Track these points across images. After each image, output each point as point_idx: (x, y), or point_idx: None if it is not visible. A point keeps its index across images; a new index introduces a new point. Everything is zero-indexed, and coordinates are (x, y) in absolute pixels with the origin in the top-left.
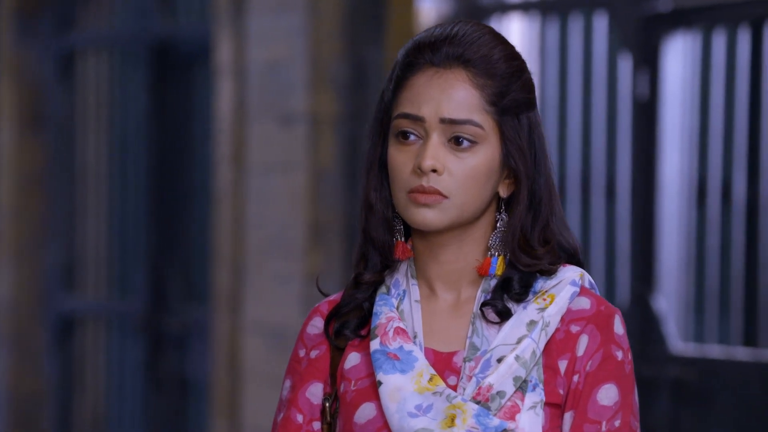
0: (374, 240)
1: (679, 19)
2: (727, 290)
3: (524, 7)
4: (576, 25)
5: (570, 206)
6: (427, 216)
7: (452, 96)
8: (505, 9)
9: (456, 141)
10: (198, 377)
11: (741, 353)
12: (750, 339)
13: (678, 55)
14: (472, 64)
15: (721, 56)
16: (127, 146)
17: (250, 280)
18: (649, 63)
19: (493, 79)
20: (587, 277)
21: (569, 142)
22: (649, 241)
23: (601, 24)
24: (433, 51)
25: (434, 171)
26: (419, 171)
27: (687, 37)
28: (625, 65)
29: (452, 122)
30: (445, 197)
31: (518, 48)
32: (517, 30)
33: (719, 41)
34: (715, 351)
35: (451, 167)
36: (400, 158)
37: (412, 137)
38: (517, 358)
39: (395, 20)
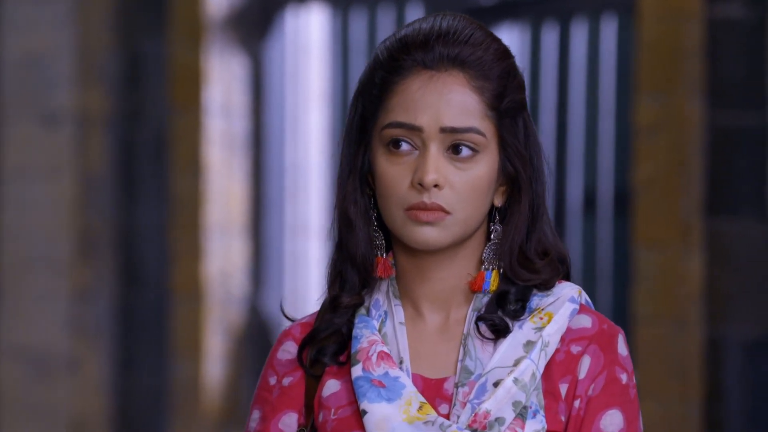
0: (354, 257)
1: (506, 12)
2: None
3: None
4: (386, 18)
5: None
6: (429, 234)
7: (451, 102)
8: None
9: (456, 150)
10: None
11: None
12: None
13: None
14: (469, 66)
15: (552, 51)
16: None
17: (6, 298)
18: None
19: (490, 80)
20: (584, 294)
21: None
22: None
23: (415, 16)
24: (425, 51)
25: (436, 186)
26: (420, 186)
27: (514, 31)
28: None
29: (453, 131)
30: (448, 213)
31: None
32: (317, 24)
33: (550, 35)
34: None
35: (452, 180)
36: (393, 171)
37: (406, 148)
38: (515, 381)
39: (178, 9)
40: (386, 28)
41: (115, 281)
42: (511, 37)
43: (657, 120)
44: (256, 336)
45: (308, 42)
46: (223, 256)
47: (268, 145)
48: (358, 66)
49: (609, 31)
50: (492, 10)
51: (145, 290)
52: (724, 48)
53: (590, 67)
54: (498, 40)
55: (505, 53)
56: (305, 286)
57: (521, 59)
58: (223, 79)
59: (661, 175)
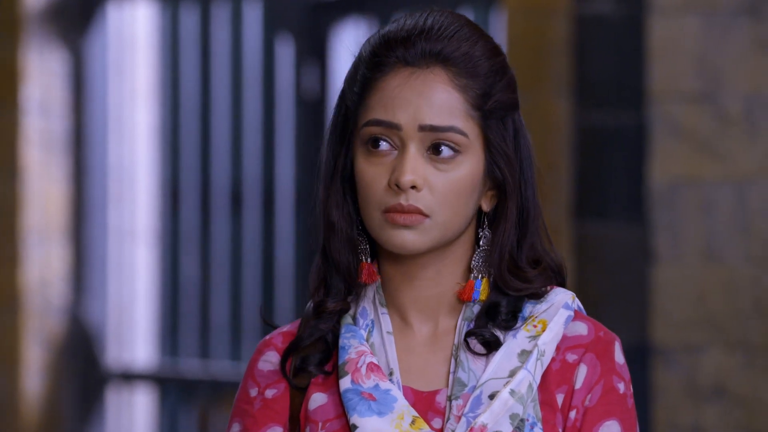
0: (338, 263)
1: (351, 5)
2: None
3: None
4: (221, 13)
5: (217, 220)
6: (407, 238)
7: (432, 99)
8: None
9: (436, 150)
10: None
11: None
12: None
13: (350, 46)
14: (452, 63)
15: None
16: None
17: None
18: (317, 54)
19: (476, 79)
20: (577, 300)
21: (215, 145)
22: None
23: (254, 11)
24: (407, 47)
25: (413, 187)
26: (397, 187)
27: (360, 25)
28: (287, 57)
29: (433, 129)
30: (426, 216)
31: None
32: (143, 18)
33: None
34: None
35: (432, 182)
36: (371, 172)
37: (385, 147)
38: (512, 392)
39: None
40: (220, 23)
41: None
42: (358, 31)
43: (523, 119)
44: (77, 347)
45: (133, 37)
46: (42, 262)
47: (90, 145)
48: (189, 62)
49: None
50: (338, 4)
51: None
52: (593, 45)
53: None
54: (487, 37)
55: (493, 51)
56: (131, 295)
57: None
58: (41, 76)
59: None
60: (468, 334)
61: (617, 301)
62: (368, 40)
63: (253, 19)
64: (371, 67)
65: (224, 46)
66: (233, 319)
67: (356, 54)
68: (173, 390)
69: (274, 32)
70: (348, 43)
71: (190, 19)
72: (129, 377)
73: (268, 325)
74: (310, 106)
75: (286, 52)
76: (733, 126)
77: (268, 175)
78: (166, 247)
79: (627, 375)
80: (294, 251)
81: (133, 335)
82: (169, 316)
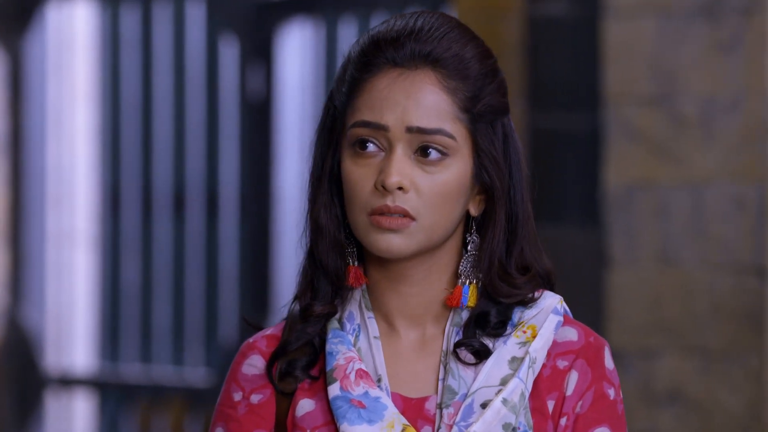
0: (325, 266)
1: (298, 6)
2: None
3: None
4: (163, 14)
5: (159, 223)
6: (393, 242)
7: (420, 101)
8: None
9: (423, 153)
10: None
11: None
12: None
13: (296, 47)
14: (442, 64)
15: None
16: None
17: None
18: (262, 55)
19: (466, 81)
20: (564, 303)
21: (156, 148)
22: (264, 262)
23: (197, 11)
24: (396, 48)
25: (400, 189)
26: (383, 189)
27: (307, 26)
28: (232, 58)
29: (420, 131)
30: (413, 219)
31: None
32: (82, 18)
33: (348, 31)
34: None
35: (419, 184)
36: (358, 173)
37: (372, 149)
38: (504, 401)
39: None
40: (162, 23)
41: None
42: (304, 32)
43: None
44: (15, 351)
45: (73, 37)
46: None
47: (29, 147)
48: (130, 63)
49: None
50: (284, 5)
51: None
52: (546, 47)
53: None
54: (477, 39)
55: (483, 54)
56: (70, 299)
57: (316, 56)
58: None
59: None
60: (457, 345)
61: (572, 306)
62: (357, 40)
63: (196, 18)
64: (360, 67)
65: (166, 46)
66: (175, 324)
67: (346, 54)
68: (113, 395)
69: (217, 32)
70: (293, 44)
71: (130, 19)
72: (68, 382)
73: (251, 326)
74: (255, 108)
75: (230, 53)
76: (688, 129)
77: (211, 177)
78: (107, 250)
79: (617, 381)
80: (238, 255)
81: (73, 340)
82: (109, 321)
